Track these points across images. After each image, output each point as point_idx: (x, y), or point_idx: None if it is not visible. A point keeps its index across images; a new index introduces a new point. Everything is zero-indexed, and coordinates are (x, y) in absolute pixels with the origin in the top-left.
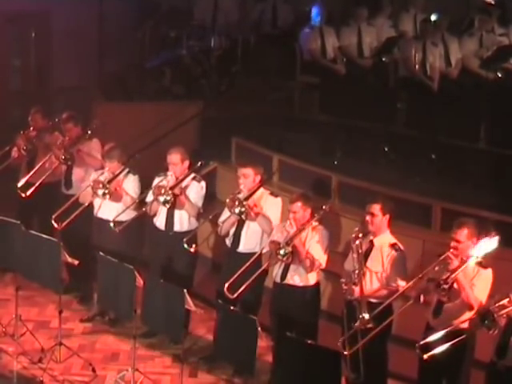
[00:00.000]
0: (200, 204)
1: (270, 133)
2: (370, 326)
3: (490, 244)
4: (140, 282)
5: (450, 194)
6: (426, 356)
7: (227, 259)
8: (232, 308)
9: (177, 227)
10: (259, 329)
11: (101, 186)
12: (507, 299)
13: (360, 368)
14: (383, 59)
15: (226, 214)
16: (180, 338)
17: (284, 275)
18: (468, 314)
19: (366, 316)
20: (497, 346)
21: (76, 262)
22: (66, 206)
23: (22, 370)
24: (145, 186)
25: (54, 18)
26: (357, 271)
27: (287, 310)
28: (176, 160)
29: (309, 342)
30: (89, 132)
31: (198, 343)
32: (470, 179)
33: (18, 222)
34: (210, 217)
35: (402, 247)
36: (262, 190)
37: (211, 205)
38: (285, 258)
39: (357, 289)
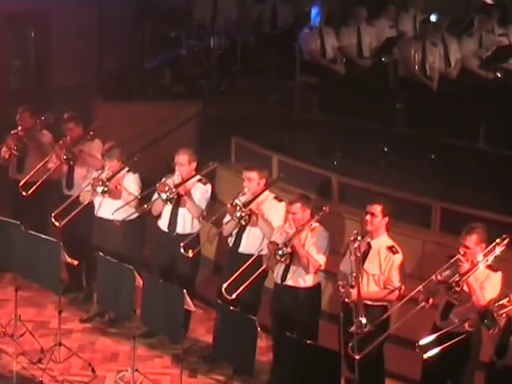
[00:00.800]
0: (204, 206)
1: (269, 133)
2: (366, 329)
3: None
4: (140, 282)
5: (450, 194)
6: (426, 356)
7: (228, 259)
8: (232, 308)
9: (179, 229)
10: (259, 329)
11: (100, 183)
12: (507, 299)
13: (355, 369)
14: (383, 59)
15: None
16: (179, 338)
17: (284, 276)
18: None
19: (363, 320)
20: (496, 345)
21: (75, 262)
22: (66, 204)
23: (22, 371)
24: (145, 186)
25: (53, 18)
26: (354, 274)
27: (287, 310)
28: (183, 161)
29: (308, 342)
30: (91, 133)
31: (197, 343)
32: (470, 179)
33: (18, 223)
34: (214, 218)
35: (399, 250)
36: (266, 193)
37: (210, 205)
38: (283, 259)
39: (354, 291)
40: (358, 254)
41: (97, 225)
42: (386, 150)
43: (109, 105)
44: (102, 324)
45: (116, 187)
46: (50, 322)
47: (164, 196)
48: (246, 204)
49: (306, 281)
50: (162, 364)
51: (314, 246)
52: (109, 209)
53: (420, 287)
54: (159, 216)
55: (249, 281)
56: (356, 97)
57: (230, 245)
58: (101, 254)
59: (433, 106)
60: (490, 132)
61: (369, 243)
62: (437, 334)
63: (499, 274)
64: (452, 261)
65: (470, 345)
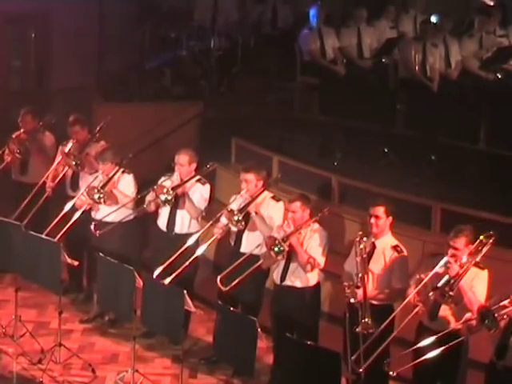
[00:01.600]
0: (203, 207)
1: (269, 133)
2: (372, 331)
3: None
4: (140, 283)
5: (450, 195)
6: (424, 357)
7: (230, 258)
8: (232, 309)
9: (178, 229)
10: (259, 330)
11: (95, 191)
12: (508, 300)
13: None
14: (383, 60)
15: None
16: (179, 338)
17: (283, 276)
18: (466, 316)
19: (369, 321)
20: (496, 346)
21: (76, 263)
22: (61, 215)
23: (22, 371)
24: (145, 186)
25: (53, 19)
26: (360, 274)
27: (287, 311)
28: (184, 161)
29: (308, 343)
30: (97, 135)
31: (197, 344)
32: (470, 180)
33: (18, 223)
34: (214, 219)
35: (403, 249)
36: (264, 193)
37: (210, 205)
38: (279, 256)
39: (359, 292)
40: (364, 256)
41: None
42: (386, 150)
43: (109, 105)
44: (102, 325)
45: (111, 191)
46: (50, 323)
47: (163, 198)
48: (244, 207)
49: (305, 281)
50: (162, 364)
51: (312, 246)
52: (106, 211)
53: (413, 292)
54: (157, 213)
55: (243, 275)
56: (356, 97)
57: (232, 244)
58: (101, 254)
59: (433, 107)
60: (490, 133)
61: (373, 243)
62: (436, 336)
63: (486, 272)
64: (442, 263)
65: (461, 345)
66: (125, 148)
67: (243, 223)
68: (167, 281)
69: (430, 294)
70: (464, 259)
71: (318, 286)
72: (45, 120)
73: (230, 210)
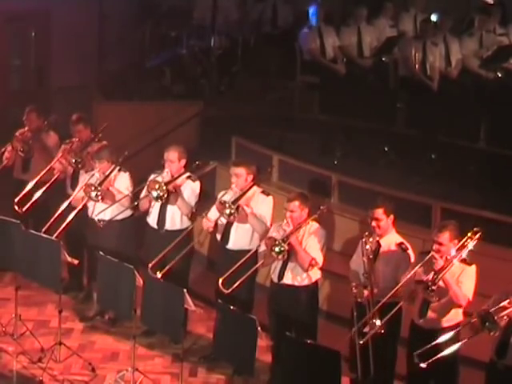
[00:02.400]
0: (193, 203)
1: (270, 132)
2: (381, 331)
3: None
4: (140, 281)
5: (450, 193)
6: (423, 365)
7: (219, 255)
8: (232, 308)
9: (168, 225)
10: (259, 328)
11: (93, 188)
12: (507, 301)
13: (370, 369)
14: (383, 59)
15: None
16: (179, 337)
17: (281, 275)
18: (454, 312)
19: (378, 322)
20: (497, 345)
21: (76, 262)
22: (58, 214)
23: (22, 370)
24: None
25: (53, 18)
26: (367, 274)
27: (285, 309)
28: (173, 158)
29: (308, 341)
30: (100, 135)
31: (197, 343)
32: (470, 179)
33: (18, 222)
34: (204, 214)
35: (409, 246)
36: (254, 188)
37: (210, 204)
38: (280, 256)
39: (367, 291)
40: (371, 256)
41: (91, 226)
42: (386, 149)
43: (109, 104)
44: (102, 323)
45: (108, 188)
46: (51, 322)
47: (155, 194)
48: (235, 200)
49: (304, 279)
50: (162, 363)
51: (311, 244)
52: (102, 209)
53: (397, 287)
54: (147, 212)
55: (244, 277)
56: (356, 96)
57: (219, 240)
58: (101, 253)
59: (433, 106)
60: (490, 132)
61: (378, 242)
62: (432, 344)
63: (474, 267)
64: (426, 258)
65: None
66: (125, 147)
67: (235, 215)
68: (159, 274)
69: (412, 287)
70: (451, 254)
71: (316, 284)
72: (50, 119)
73: (222, 202)
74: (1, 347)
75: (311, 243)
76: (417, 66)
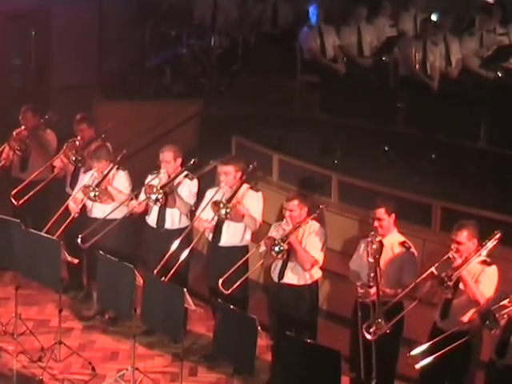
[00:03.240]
0: (192, 202)
1: (270, 132)
2: (384, 331)
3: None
4: (140, 280)
5: (450, 193)
6: (418, 366)
7: (211, 253)
8: (232, 307)
9: (168, 225)
10: (259, 328)
11: (91, 189)
12: (507, 299)
13: (372, 369)
14: (383, 58)
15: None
16: (179, 336)
17: (282, 274)
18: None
19: (383, 322)
20: (497, 344)
21: (76, 261)
22: (58, 214)
23: (22, 369)
24: (143, 185)
25: (54, 17)
26: (372, 274)
27: (285, 309)
28: (169, 158)
29: (309, 341)
30: (103, 135)
31: (197, 342)
32: (470, 179)
33: (18, 221)
34: (200, 210)
35: (411, 245)
36: (244, 185)
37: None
38: (279, 256)
39: (372, 292)
40: (377, 256)
41: (90, 226)
42: (386, 149)
43: (109, 104)
44: (102, 323)
45: (106, 188)
46: (50, 321)
47: (153, 197)
48: (229, 200)
49: (304, 279)
50: (162, 363)
51: (311, 243)
52: (101, 209)
53: (412, 285)
54: (146, 212)
55: (244, 276)
56: (356, 96)
57: (210, 239)
58: (101, 252)
59: (433, 106)
60: (490, 131)
61: (381, 241)
62: (428, 344)
63: (494, 268)
64: (444, 258)
65: (472, 345)
66: (125, 146)
67: (229, 214)
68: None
69: (428, 283)
70: (470, 253)
71: (316, 283)
72: (46, 117)
73: (216, 202)
74: (1, 346)
75: (311, 242)
76: (417, 66)
